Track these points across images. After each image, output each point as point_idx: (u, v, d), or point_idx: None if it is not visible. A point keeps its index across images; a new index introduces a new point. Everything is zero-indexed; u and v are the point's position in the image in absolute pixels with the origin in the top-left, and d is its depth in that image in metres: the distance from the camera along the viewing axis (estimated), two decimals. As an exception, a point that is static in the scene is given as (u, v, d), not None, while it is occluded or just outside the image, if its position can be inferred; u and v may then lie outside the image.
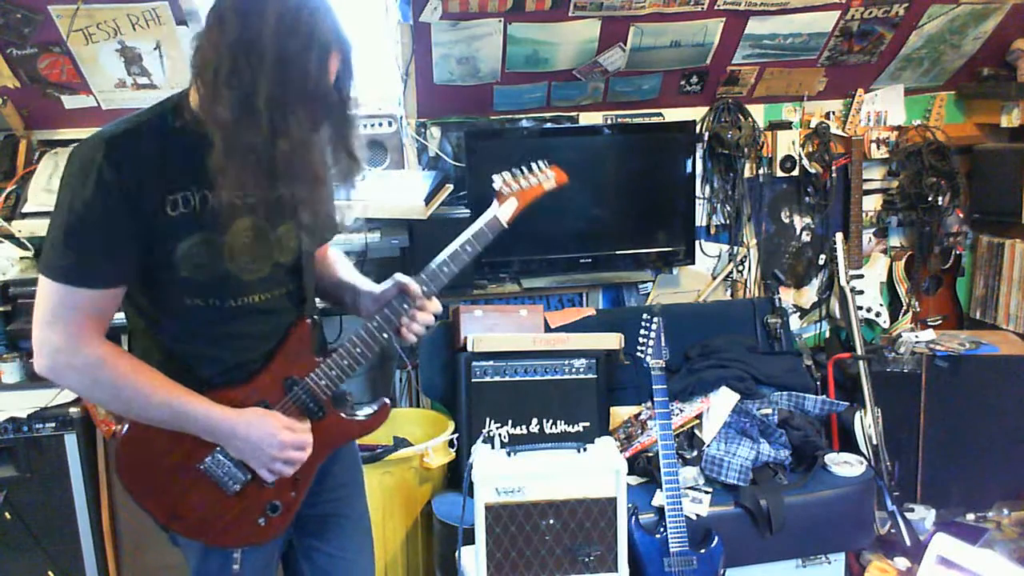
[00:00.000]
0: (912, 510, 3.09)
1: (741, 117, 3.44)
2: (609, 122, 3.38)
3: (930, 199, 3.52)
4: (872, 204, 3.69)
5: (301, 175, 1.38)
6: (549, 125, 3.31)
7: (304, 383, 1.57)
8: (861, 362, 3.24)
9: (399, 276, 1.64)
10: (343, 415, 1.64)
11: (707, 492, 2.59)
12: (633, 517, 2.37)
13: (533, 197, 1.76)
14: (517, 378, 2.81)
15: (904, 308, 3.65)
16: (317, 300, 1.74)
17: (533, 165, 1.76)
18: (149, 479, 1.52)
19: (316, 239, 1.61)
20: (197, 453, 1.51)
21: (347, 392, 1.75)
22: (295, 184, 1.38)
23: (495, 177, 1.74)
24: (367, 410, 1.67)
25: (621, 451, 2.57)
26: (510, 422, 2.80)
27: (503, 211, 1.71)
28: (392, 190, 2.91)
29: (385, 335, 1.61)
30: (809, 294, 3.71)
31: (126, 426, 1.50)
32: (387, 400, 1.69)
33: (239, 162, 1.33)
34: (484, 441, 2.38)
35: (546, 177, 1.77)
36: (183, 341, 1.50)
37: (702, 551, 2.39)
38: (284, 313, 1.57)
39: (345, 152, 1.48)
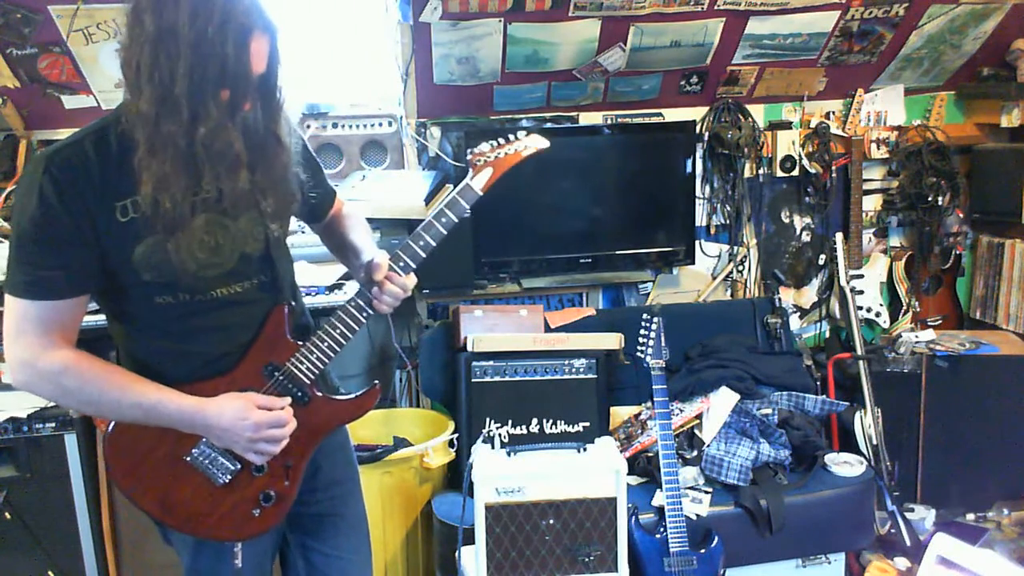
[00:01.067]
0: (912, 510, 3.09)
1: (741, 117, 3.44)
2: (609, 122, 3.38)
3: (930, 199, 3.53)
4: (872, 204, 3.69)
5: (223, 160, 1.37)
6: (549, 125, 3.31)
7: (284, 368, 1.56)
8: (861, 362, 3.24)
9: (374, 255, 1.62)
10: (329, 398, 1.63)
11: (707, 492, 2.59)
12: (633, 517, 2.37)
13: (510, 164, 1.70)
14: (517, 378, 2.81)
15: (904, 308, 3.65)
16: (322, 278, 1.72)
17: (510, 134, 1.71)
18: (139, 475, 1.52)
19: (284, 225, 1.60)
20: (183, 446, 1.51)
21: (339, 385, 1.74)
22: (218, 171, 1.37)
23: (470, 149, 1.70)
24: (355, 393, 1.66)
25: (621, 451, 2.57)
26: (510, 422, 2.80)
27: (477, 179, 1.67)
28: (392, 190, 2.91)
29: (364, 314, 1.60)
30: (809, 294, 3.71)
31: (111, 425, 1.51)
32: (377, 382, 1.68)
33: (161, 156, 1.33)
34: (484, 441, 2.38)
35: (523, 145, 1.71)
36: (160, 339, 1.50)
37: (702, 551, 2.39)
38: (259, 303, 1.57)
39: (274, 137, 1.46)
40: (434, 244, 1.63)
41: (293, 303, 1.64)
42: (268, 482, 1.57)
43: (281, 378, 1.56)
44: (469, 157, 1.69)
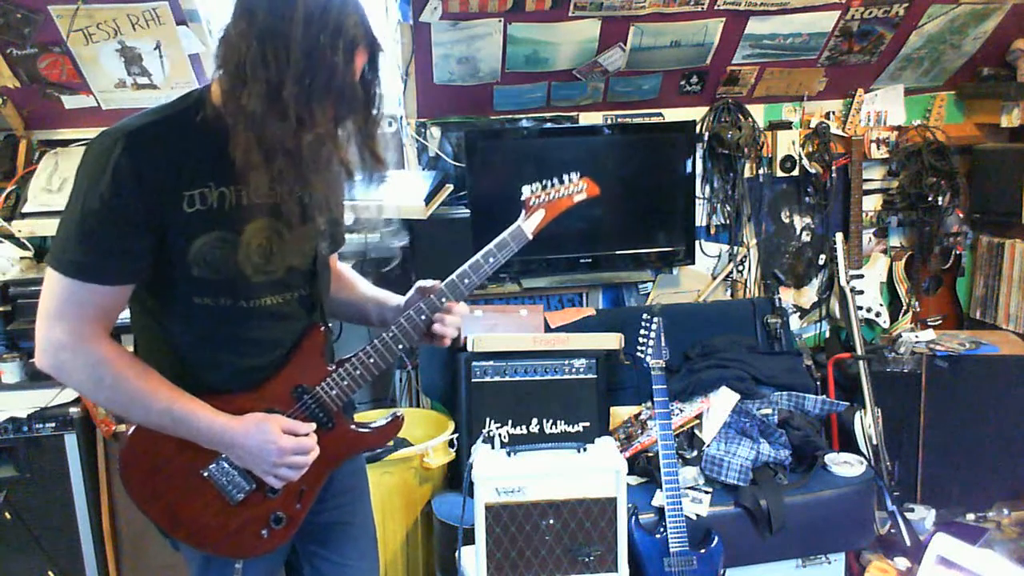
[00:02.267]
0: (912, 510, 3.09)
1: (741, 117, 3.44)
2: (609, 122, 3.38)
3: (930, 199, 3.53)
4: (872, 204, 3.69)
5: (324, 169, 1.36)
6: (549, 125, 3.31)
7: (315, 392, 1.54)
8: (861, 362, 3.24)
9: (421, 282, 1.62)
10: (353, 427, 1.61)
11: (707, 492, 2.59)
12: (633, 517, 2.37)
13: (562, 209, 1.69)
14: (517, 378, 2.81)
15: (904, 308, 3.65)
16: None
17: (565, 176, 1.70)
18: (152, 485, 1.48)
19: (332, 244, 1.60)
20: (201, 460, 1.47)
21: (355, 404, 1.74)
22: (317, 178, 1.36)
23: (524, 188, 1.68)
24: (378, 423, 1.65)
25: (621, 451, 2.57)
26: (510, 422, 2.80)
27: (529, 222, 1.66)
28: (392, 190, 2.91)
29: (401, 346, 1.58)
30: (809, 294, 3.71)
31: (131, 429, 1.47)
32: (399, 414, 1.66)
33: (262, 155, 1.31)
34: (484, 441, 2.38)
35: (577, 188, 1.70)
36: (189, 343, 1.46)
37: (702, 551, 2.39)
38: (296, 319, 1.54)
39: (370, 152, 1.45)
40: (478, 283, 1.63)
41: (330, 324, 1.62)
42: (280, 504, 1.54)
43: (310, 402, 1.53)
44: (523, 198, 1.67)
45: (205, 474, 1.48)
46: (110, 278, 1.35)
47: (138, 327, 1.52)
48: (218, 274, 1.40)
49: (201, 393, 1.44)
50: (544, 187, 1.68)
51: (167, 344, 1.47)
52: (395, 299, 1.69)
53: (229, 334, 1.47)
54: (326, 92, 1.30)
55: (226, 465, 1.48)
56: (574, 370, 2.84)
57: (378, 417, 1.69)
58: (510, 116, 3.29)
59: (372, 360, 1.56)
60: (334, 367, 1.56)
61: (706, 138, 3.43)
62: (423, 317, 1.59)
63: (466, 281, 1.61)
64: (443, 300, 1.60)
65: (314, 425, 1.52)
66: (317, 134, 1.32)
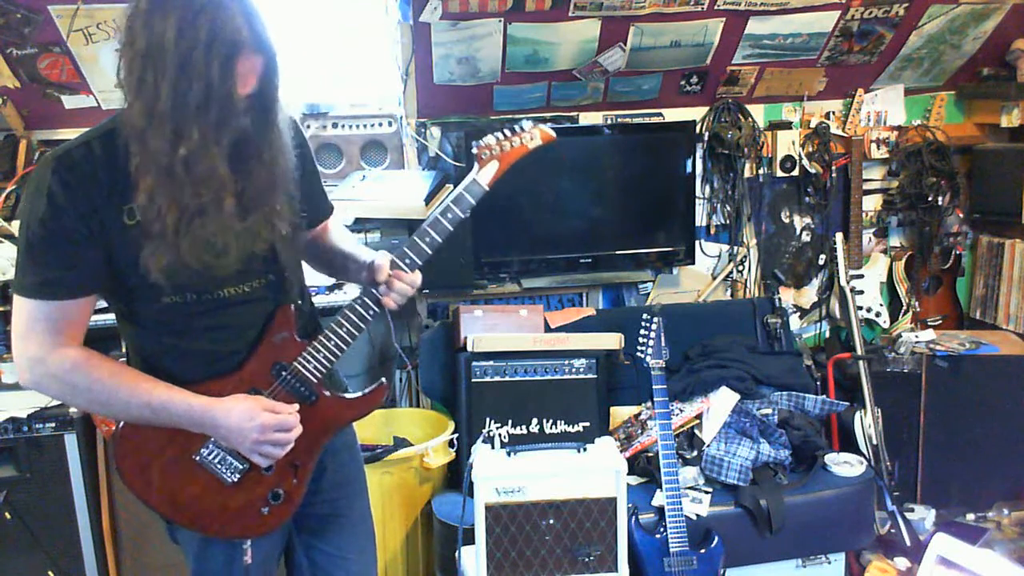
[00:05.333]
0: (912, 510, 3.09)
1: (741, 117, 3.44)
2: (609, 122, 3.38)
3: (930, 199, 3.53)
4: (872, 204, 3.69)
5: (207, 183, 1.36)
6: (549, 125, 3.30)
7: (292, 367, 1.57)
8: (861, 362, 3.24)
9: (377, 255, 1.62)
10: (337, 396, 1.64)
11: (707, 492, 2.59)
12: (633, 517, 2.37)
13: (516, 157, 1.69)
14: (517, 378, 2.81)
15: (904, 308, 3.65)
16: (323, 278, 1.72)
17: (516, 126, 1.70)
18: (148, 475, 1.53)
19: (292, 224, 1.59)
20: (192, 445, 1.52)
21: (346, 383, 1.75)
22: (201, 191, 1.36)
23: (473, 142, 1.68)
24: (362, 392, 1.67)
25: (621, 451, 2.57)
26: (510, 422, 2.80)
27: (483, 173, 1.66)
28: (392, 190, 2.91)
29: (371, 312, 1.60)
30: (809, 294, 3.71)
31: (120, 425, 1.52)
32: (383, 380, 1.67)
33: (147, 170, 1.33)
34: (484, 441, 2.38)
35: (530, 136, 1.70)
36: (168, 337, 1.51)
37: (702, 551, 2.39)
38: (266, 301, 1.58)
39: (267, 153, 1.45)
40: (440, 241, 1.63)
41: (300, 302, 1.64)
42: (277, 481, 1.57)
43: (288, 377, 1.57)
44: (474, 151, 1.67)
45: (197, 459, 1.53)
46: (63, 294, 1.41)
47: (122, 331, 1.58)
48: (173, 278, 1.43)
49: (184, 384, 1.48)
50: (497, 139, 1.68)
51: (146, 341, 1.53)
52: (367, 257, 1.68)
53: (203, 325, 1.51)
54: (201, 105, 1.31)
55: (216, 448, 1.53)
56: (574, 370, 2.84)
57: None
58: (510, 116, 3.29)
59: (344, 329, 1.59)
60: (308, 341, 1.59)
61: (706, 138, 3.43)
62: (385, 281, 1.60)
63: (427, 239, 1.62)
64: (407, 260, 1.61)
65: (296, 405, 1.55)
66: (194, 148, 1.32)
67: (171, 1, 1.29)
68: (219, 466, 1.53)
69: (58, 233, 1.37)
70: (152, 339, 1.52)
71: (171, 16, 1.28)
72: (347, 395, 1.66)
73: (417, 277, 1.62)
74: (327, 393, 1.62)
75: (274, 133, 1.47)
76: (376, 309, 1.60)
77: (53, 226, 1.37)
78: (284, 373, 1.57)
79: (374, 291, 1.60)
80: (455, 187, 1.66)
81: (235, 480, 1.54)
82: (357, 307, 1.60)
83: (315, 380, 1.59)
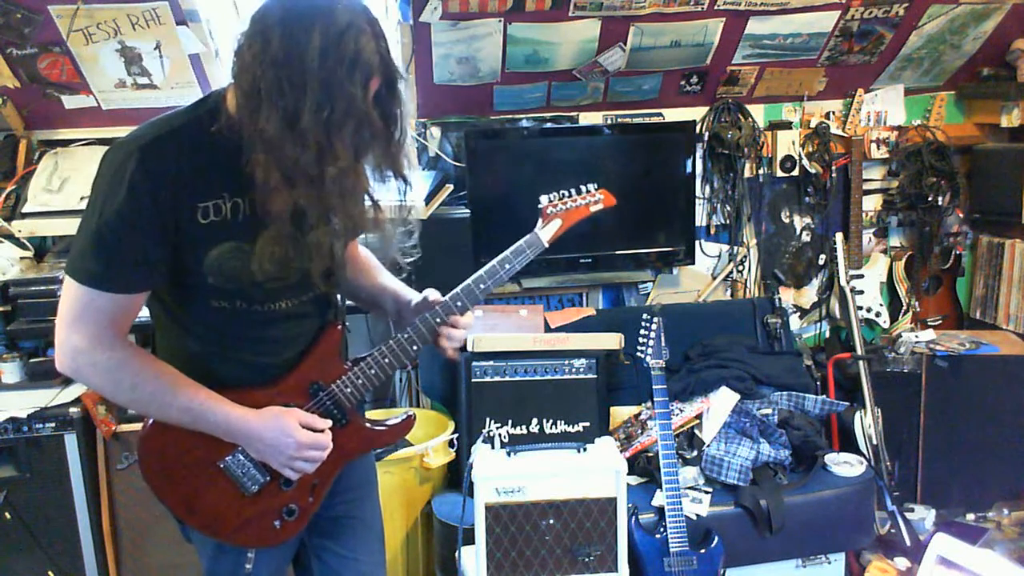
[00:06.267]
0: (912, 510, 3.09)
1: (741, 117, 3.44)
2: (609, 122, 3.38)
3: (930, 199, 3.52)
4: (872, 204, 3.69)
5: (347, 194, 1.37)
6: (549, 125, 3.31)
7: (330, 389, 1.57)
8: (861, 362, 3.24)
9: (429, 292, 1.65)
10: (366, 424, 1.64)
11: (707, 492, 2.59)
12: (633, 517, 2.37)
13: (578, 219, 1.74)
14: (517, 378, 2.81)
15: (904, 308, 3.65)
16: (347, 301, 1.73)
17: (582, 187, 1.74)
18: (170, 475, 1.52)
19: (350, 234, 1.60)
20: (218, 451, 1.51)
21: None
22: (338, 202, 1.37)
23: (542, 197, 1.72)
24: (391, 421, 1.68)
25: (621, 451, 2.57)
26: (510, 422, 2.80)
27: (546, 231, 1.71)
28: (392, 190, 2.91)
29: (415, 347, 1.60)
30: (809, 294, 3.71)
31: (148, 423, 1.51)
32: (412, 413, 1.69)
33: (281, 177, 1.32)
34: (484, 441, 2.38)
35: (594, 199, 1.75)
36: (208, 341, 1.50)
37: (702, 551, 2.39)
38: (311, 318, 1.57)
39: (395, 174, 1.48)
40: (492, 289, 1.66)
41: (346, 323, 1.65)
42: (294, 497, 1.57)
43: (325, 399, 1.57)
44: (540, 206, 1.71)
45: (221, 465, 1.52)
46: (125, 287, 1.38)
47: (158, 325, 1.55)
48: (233, 282, 1.42)
49: (219, 388, 1.47)
50: (562, 197, 1.73)
51: (186, 342, 1.51)
52: (411, 294, 1.70)
53: (246, 334, 1.50)
54: (344, 123, 1.30)
55: (242, 458, 1.52)
56: (574, 370, 2.84)
57: (390, 416, 1.72)
58: (510, 116, 3.29)
59: (387, 360, 1.59)
60: (350, 365, 1.59)
61: (706, 138, 3.43)
62: (438, 320, 1.62)
63: (482, 286, 1.64)
64: (459, 303, 1.62)
65: (330, 422, 1.56)
66: (340, 167, 1.32)
67: (312, 15, 1.28)
68: (241, 476, 1.53)
69: (135, 224, 1.33)
70: (191, 340, 1.50)
71: (315, 32, 1.27)
72: (377, 427, 1.66)
73: (470, 320, 1.64)
74: (359, 419, 1.62)
75: (399, 153, 1.48)
76: (419, 344, 1.60)
77: (131, 217, 1.33)
78: (322, 394, 1.56)
79: (421, 327, 1.60)
80: (520, 240, 1.69)
81: (254, 491, 1.54)
82: (403, 341, 1.60)
83: (349, 405, 1.59)
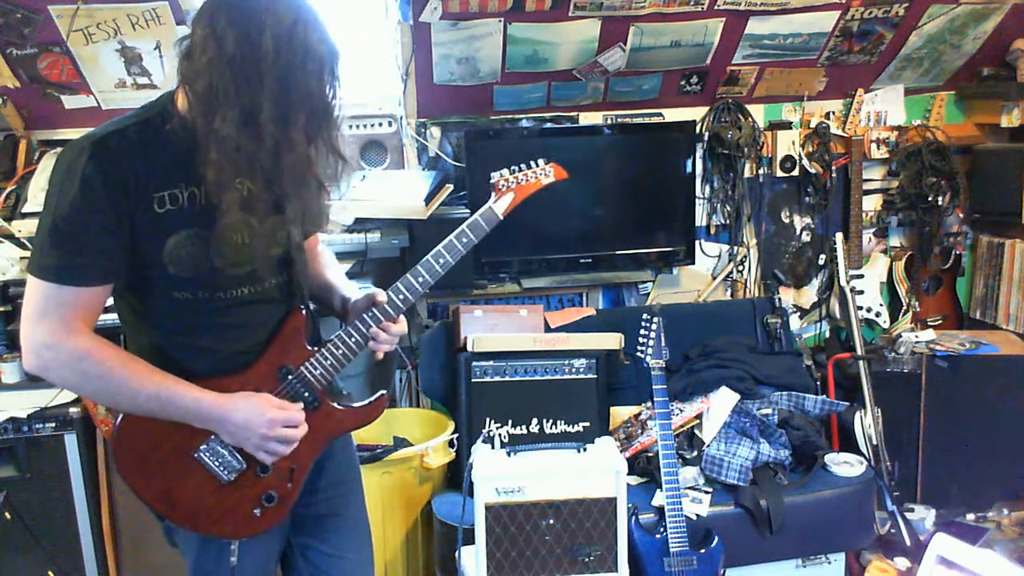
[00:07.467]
0: (912, 510, 3.09)
1: (741, 117, 3.44)
2: (609, 122, 3.38)
3: (930, 199, 3.52)
4: (872, 204, 3.69)
5: (299, 180, 1.43)
6: (549, 125, 3.31)
7: (299, 372, 1.59)
8: (861, 362, 3.24)
9: (373, 290, 1.68)
10: (338, 405, 1.65)
11: (707, 492, 2.59)
12: (633, 517, 2.37)
13: (530, 191, 1.78)
14: (517, 378, 2.81)
15: (904, 308, 3.65)
16: None
17: (532, 162, 1.80)
18: (145, 469, 1.53)
19: (311, 226, 1.64)
20: (192, 441, 1.52)
21: (342, 387, 1.76)
22: (291, 188, 1.43)
23: (493, 173, 1.78)
24: (363, 402, 1.69)
25: (621, 451, 2.57)
26: (510, 422, 2.80)
27: (499, 204, 1.75)
28: (392, 190, 2.91)
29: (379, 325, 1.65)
30: (809, 294, 3.71)
31: (120, 416, 1.51)
32: (384, 392, 1.71)
33: (234, 174, 1.37)
34: (484, 441, 2.38)
35: (544, 173, 1.80)
36: (174, 334, 1.51)
37: (702, 551, 2.39)
38: (275, 304, 1.59)
39: (334, 154, 1.50)
40: (453, 263, 1.70)
41: (311, 307, 1.66)
42: (272, 483, 1.58)
43: (294, 381, 1.58)
44: (492, 181, 1.76)
45: (196, 455, 1.53)
46: (84, 280, 1.40)
47: (126, 325, 1.57)
48: (192, 270, 1.45)
49: (189, 379, 1.48)
50: (513, 172, 1.78)
51: (152, 337, 1.53)
52: (352, 293, 1.74)
53: (210, 323, 1.52)
54: (300, 114, 1.36)
55: (216, 446, 1.53)
56: (574, 370, 2.84)
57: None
58: (510, 116, 3.29)
59: (353, 340, 1.63)
60: (316, 348, 1.61)
61: (706, 138, 3.43)
62: (371, 325, 1.65)
63: (441, 261, 1.69)
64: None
65: (301, 404, 1.58)
66: (296, 154, 1.38)
67: (261, 14, 1.32)
68: (217, 464, 1.53)
69: (89, 218, 1.36)
70: (158, 334, 1.52)
71: (266, 30, 1.31)
72: (349, 405, 1.67)
73: (402, 327, 1.69)
74: (329, 400, 1.63)
75: (338, 134, 1.51)
76: (363, 342, 1.65)
77: (84, 210, 1.35)
78: (290, 377, 1.58)
79: (361, 328, 1.64)
80: (472, 214, 1.75)
81: (231, 479, 1.55)
82: (368, 320, 1.64)
83: (319, 387, 1.60)
